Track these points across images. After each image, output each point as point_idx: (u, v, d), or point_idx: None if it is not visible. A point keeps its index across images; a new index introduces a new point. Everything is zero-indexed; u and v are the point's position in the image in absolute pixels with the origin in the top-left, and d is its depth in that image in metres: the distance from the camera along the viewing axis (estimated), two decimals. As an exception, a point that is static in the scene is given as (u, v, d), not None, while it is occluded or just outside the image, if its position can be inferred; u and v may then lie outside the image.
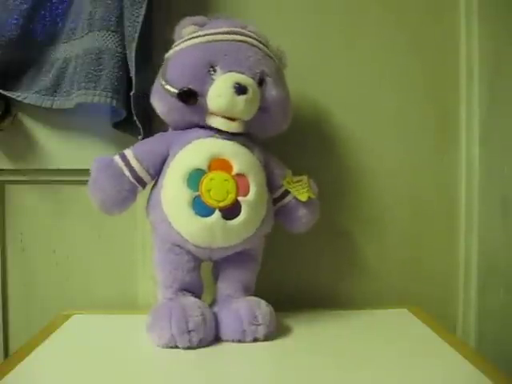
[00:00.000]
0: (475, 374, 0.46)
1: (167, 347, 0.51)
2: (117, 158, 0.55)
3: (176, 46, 0.57)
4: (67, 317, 0.64)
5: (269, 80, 0.56)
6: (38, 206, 0.70)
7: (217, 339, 0.54)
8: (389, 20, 0.72)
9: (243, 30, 0.56)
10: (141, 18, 0.59)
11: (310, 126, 0.71)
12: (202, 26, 0.57)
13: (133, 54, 0.59)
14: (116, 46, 0.61)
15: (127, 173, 0.55)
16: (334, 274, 0.73)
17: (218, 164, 0.54)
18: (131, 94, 0.60)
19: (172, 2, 0.67)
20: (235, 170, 0.54)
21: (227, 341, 0.54)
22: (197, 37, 0.55)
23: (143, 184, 0.56)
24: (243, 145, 0.56)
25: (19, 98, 0.63)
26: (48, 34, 0.65)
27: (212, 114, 0.54)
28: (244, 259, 0.58)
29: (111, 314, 0.66)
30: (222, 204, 0.52)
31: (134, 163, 0.55)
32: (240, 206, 0.53)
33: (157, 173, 0.56)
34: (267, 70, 0.56)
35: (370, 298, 0.72)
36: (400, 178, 0.73)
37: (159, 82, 0.55)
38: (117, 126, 0.66)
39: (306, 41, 0.71)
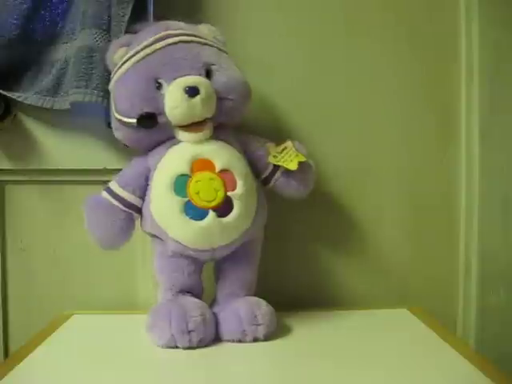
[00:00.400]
0: (475, 374, 0.46)
1: (167, 347, 0.51)
2: (104, 194, 0.56)
3: (115, 74, 0.56)
4: (67, 317, 0.64)
5: (214, 68, 0.55)
6: (38, 205, 0.70)
7: (217, 339, 0.54)
8: (389, 20, 0.72)
9: (169, 32, 0.55)
10: (126, 17, 0.59)
11: (309, 125, 0.71)
12: (129, 44, 0.56)
13: None
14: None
15: (116, 203, 0.55)
16: (333, 274, 0.73)
17: (200, 165, 0.53)
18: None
19: (164, 2, 0.67)
20: (218, 167, 0.53)
21: (227, 341, 0.54)
22: (129, 58, 0.54)
23: (136, 209, 0.56)
24: (219, 140, 0.55)
25: (20, 99, 0.63)
26: (48, 34, 0.65)
27: (177, 127, 0.54)
28: (244, 257, 0.58)
29: (111, 313, 0.66)
30: (213, 204, 0.52)
31: (119, 192, 0.56)
32: (231, 202, 0.53)
33: (144, 193, 0.56)
34: (209, 60, 0.55)
35: (370, 298, 0.72)
36: (400, 177, 0.73)
37: (115, 117, 0.55)
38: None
39: (304, 41, 0.71)
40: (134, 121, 0.53)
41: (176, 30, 0.56)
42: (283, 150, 0.58)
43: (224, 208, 0.53)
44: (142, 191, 0.56)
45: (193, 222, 0.52)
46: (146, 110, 0.52)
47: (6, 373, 0.47)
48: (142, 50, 0.54)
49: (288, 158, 0.57)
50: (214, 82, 0.54)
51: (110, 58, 0.57)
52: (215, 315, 0.55)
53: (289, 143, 0.59)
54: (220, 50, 0.57)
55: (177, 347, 0.51)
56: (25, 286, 0.71)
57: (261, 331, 0.54)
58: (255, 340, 0.54)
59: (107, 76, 0.59)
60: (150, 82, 0.53)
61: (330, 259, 0.73)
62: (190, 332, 0.51)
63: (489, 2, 0.72)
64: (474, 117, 0.73)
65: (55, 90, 0.64)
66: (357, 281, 0.73)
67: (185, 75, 0.53)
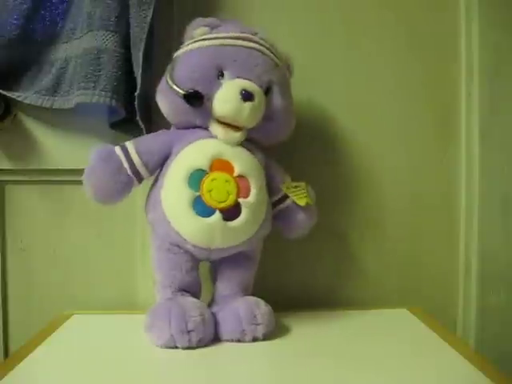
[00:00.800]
0: (475, 374, 0.46)
1: (166, 347, 0.51)
2: (118, 150, 0.55)
3: (186, 46, 0.56)
4: (67, 317, 0.64)
5: (275, 89, 0.56)
6: (38, 206, 0.70)
7: (216, 339, 0.54)
8: (388, 20, 0.72)
9: (253, 37, 0.56)
10: (148, 19, 0.59)
11: (309, 125, 0.71)
12: (213, 28, 0.56)
13: (140, 55, 0.59)
14: (115, 46, 0.61)
15: (126, 165, 0.55)
16: (333, 274, 0.73)
17: (220, 165, 0.54)
18: (136, 94, 0.59)
19: (174, 3, 0.67)
20: (236, 172, 0.54)
21: (226, 340, 0.54)
22: (207, 39, 0.55)
23: (140, 179, 0.56)
24: (245, 147, 0.56)
25: (19, 98, 0.63)
26: (48, 34, 0.65)
27: (216, 119, 0.54)
28: (242, 260, 0.58)
29: (111, 313, 0.66)
30: (222, 205, 0.52)
31: (134, 157, 0.55)
32: (240, 208, 0.53)
33: (155, 169, 0.56)
34: (274, 79, 0.56)
35: (370, 298, 0.72)
36: (400, 177, 0.73)
37: (166, 80, 0.55)
38: (114, 126, 0.66)
39: (305, 41, 0.71)
40: (183, 92, 0.53)
41: (261, 39, 0.57)
42: (297, 186, 0.59)
43: (231, 212, 0.53)
44: (155, 167, 0.56)
45: (198, 217, 0.52)
46: (199, 88, 0.53)
47: (6, 373, 0.47)
48: (223, 38, 0.55)
49: (300, 194, 0.59)
50: (269, 100, 0.55)
51: (189, 30, 0.57)
52: (214, 315, 0.55)
53: (303, 183, 0.60)
54: (286, 77, 0.59)
55: (176, 347, 0.51)
56: (25, 286, 0.71)
57: (260, 331, 0.54)
58: (254, 340, 0.54)
59: (115, 77, 0.60)
60: (215, 67, 0.54)
61: (330, 259, 0.73)
62: (189, 332, 0.51)
63: (489, 2, 0.72)
64: (474, 117, 0.73)
65: (55, 89, 0.64)
66: (357, 281, 0.73)
67: (248, 79, 0.54)
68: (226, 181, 0.53)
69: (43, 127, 0.68)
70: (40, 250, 0.71)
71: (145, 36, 0.59)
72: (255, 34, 0.57)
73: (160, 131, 0.58)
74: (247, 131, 0.55)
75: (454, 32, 0.73)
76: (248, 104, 0.53)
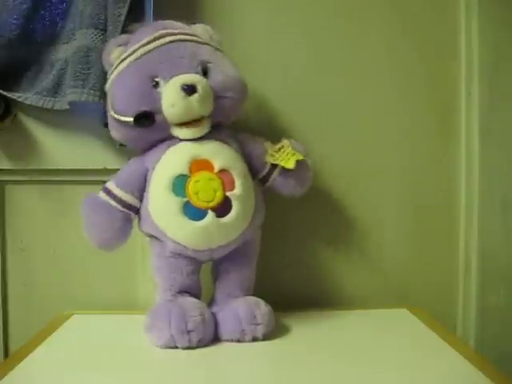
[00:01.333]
0: (475, 374, 0.46)
1: (166, 347, 0.51)
2: (101, 194, 0.56)
3: (111, 74, 0.56)
4: (67, 317, 0.64)
5: (211, 66, 0.55)
6: (38, 205, 0.70)
7: (216, 339, 0.54)
8: (388, 18, 0.72)
9: (166, 31, 0.55)
10: (123, 17, 0.59)
11: (307, 124, 0.71)
12: (126, 44, 0.56)
13: None
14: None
15: (114, 203, 0.55)
16: (333, 274, 0.73)
17: (199, 165, 0.53)
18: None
19: (163, 3, 0.67)
20: (217, 168, 0.53)
21: (226, 340, 0.54)
22: (126, 57, 0.54)
23: (134, 209, 0.56)
24: (218, 140, 0.55)
25: (20, 99, 0.63)
26: (48, 34, 0.65)
27: (174, 125, 0.54)
28: (242, 257, 0.58)
29: (111, 314, 0.66)
30: (212, 204, 0.52)
31: (117, 192, 0.55)
32: (230, 202, 0.53)
33: (142, 194, 0.56)
34: (205, 58, 0.55)
35: (370, 298, 0.72)
36: (400, 176, 0.73)
37: (111, 115, 0.55)
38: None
39: (306, 42, 0.71)
40: (131, 119, 0.52)
41: (172, 29, 0.56)
42: (280, 148, 0.58)
43: (223, 208, 0.53)
44: (141, 192, 0.56)
45: (192, 222, 0.52)
46: (143, 108, 0.52)
47: (6, 373, 0.47)
48: (138, 48, 0.54)
49: (285, 156, 0.57)
50: (210, 80, 0.54)
51: (106, 58, 0.57)
52: (214, 315, 0.55)
53: (285, 142, 0.59)
54: (216, 49, 0.58)
55: (176, 347, 0.51)
56: (25, 286, 0.71)
57: (260, 331, 0.54)
58: (254, 340, 0.54)
59: (104, 75, 0.60)
60: (147, 80, 0.53)
61: (330, 259, 0.73)
62: (189, 332, 0.51)
63: (489, 1, 0.72)
64: (474, 115, 0.72)
65: (55, 90, 0.64)
66: (356, 281, 0.73)
67: (182, 73, 0.53)
68: (210, 179, 0.53)
69: (43, 127, 0.68)
70: (40, 249, 0.71)
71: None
72: (164, 27, 0.56)
73: (130, 161, 0.58)
74: (207, 120, 0.54)
75: (454, 30, 0.73)
76: (194, 96, 0.52)
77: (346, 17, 0.72)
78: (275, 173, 0.58)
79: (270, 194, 0.60)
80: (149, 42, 0.54)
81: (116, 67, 0.55)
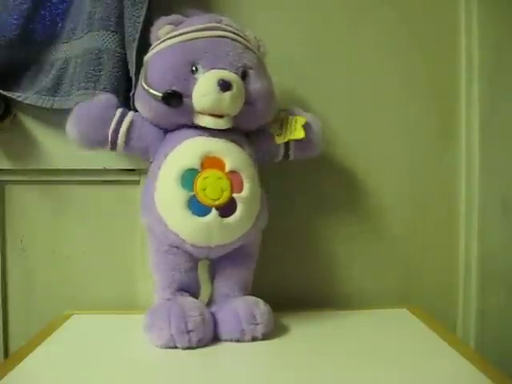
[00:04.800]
0: (475, 375, 0.46)
1: (166, 347, 0.51)
2: (118, 111, 0.56)
3: (154, 47, 0.56)
4: (67, 317, 0.64)
5: (251, 73, 0.56)
6: (38, 205, 0.70)
7: (215, 339, 0.54)
8: (389, 19, 0.72)
9: (220, 25, 0.56)
10: (142, 19, 0.59)
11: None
12: (177, 24, 0.56)
13: (133, 54, 0.59)
14: (115, 46, 0.61)
15: (112, 126, 0.55)
16: (333, 273, 0.73)
17: (211, 162, 0.54)
18: (131, 94, 0.60)
19: (172, 2, 0.67)
20: (228, 168, 0.54)
21: (226, 340, 0.54)
22: (174, 36, 0.55)
23: (113, 147, 0.57)
24: (233, 141, 0.56)
25: (19, 99, 0.63)
26: (48, 34, 0.65)
27: (199, 113, 0.54)
28: (241, 257, 0.58)
29: (111, 313, 0.66)
30: (217, 202, 0.53)
31: (123, 127, 0.56)
32: (235, 203, 0.53)
33: (131, 149, 0.57)
34: (249, 63, 0.56)
35: (370, 298, 0.72)
36: (400, 177, 0.73)
37: (141, 86, 0.55)
38: None
39: (306, 38, 0.71)
40: (160, 95, 0.53)
41: (227, 25, 0.57)
42: (282, 123, 0.59)
43: (227, 208, 0.53)
44: (133, 148, 0.57)
45: (195, 217, 0.52)
46: (175, 88, 0.53)
47: (5, 373, 0.47)
48: (189, 32, 0.55)
49: (291, 128, 0.59)
50: (246, 85, 0.55)
51: (154, 32, 0.57)
52: (213, 315, 0.55)
53: (282, 113, 0.60)
54: (260, 59, 0.59)
55: (176, 347, 0.51)
56: (25, 286, 0.71)
57: (259, 330, 0.54)
58: (253, 339, 0.54)
59: (115, 77, 0.60)
60: (187, 63, 0.54)
61: (330, 259, 0.73)
62: (189, 332, 0.51)
63: (489, 1, 0.72)
64: (474, 115, 0.72)
65: (55, 89, 0.64)
66: (357, 281, 0.73)
67: (222, 69, 0.53)
68: (219, 178, 0.53)
69: (43, 127, 0.68)
70: (40, 250, 0.71)
71: (138, 36, 0.59)
72: (220, 21, 0.57)
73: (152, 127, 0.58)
74: (231, 120, 0.55)
75: (454, 31, 0.73)
76: (227, 93, 0.52)
77: (346, 17, 0.72)
78: (292, 146, 0.60)
79: (271, 196, 0.60)
80: (200, 30, 0.55)
81: (161, 42, 0.56)
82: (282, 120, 0.60)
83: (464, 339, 0.72)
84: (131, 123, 0.56)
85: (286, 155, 0.61)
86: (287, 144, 0.60)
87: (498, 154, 0.73)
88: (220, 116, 0.54)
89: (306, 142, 0.60)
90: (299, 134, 0.58)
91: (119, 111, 0.56)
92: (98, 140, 0.56)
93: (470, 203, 0.73)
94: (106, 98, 0.58)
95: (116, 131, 0.56)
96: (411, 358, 0.51)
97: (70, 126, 0.56)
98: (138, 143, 0.57)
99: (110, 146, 0.57)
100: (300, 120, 0.59)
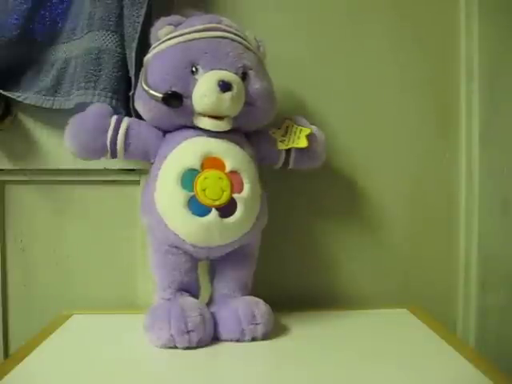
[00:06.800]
0: (475, 374, 0.46)
1: (166, 347, 0.51)
2: (113, 118, 0.56)
3: (154, 48, 0.56)
4: (67, 317, 0.64)
5: (251, 73, 0.56)
6: (38, 205, 0.70)
7: (215, 339, 0.54)
8: (390, 18, 0.72)
9: (220, 25, 0.56)
10: (141, 19, 0.59)
11: (308, 121, 0.71)
12: (177, 25, 0.56)
13: (133, 54, 0.59)
14: (115, 46, 0.61)
15: (109, 134, 0.55)
16: (333, 274, 0.73)
17: (211, 162, 0.54)
18: (130, 94, 0.60)
19: (172, 2, 0.67)
20: (228, 168, 0.54)
21: (226, 340, 0.54)
22: (174, 37, 0.55)
23: (114, 154, 0.56)
24: (233, 141, 0.56)
25: (19, 99, 0.63)
26: (48, 34, 0.65)
27: (199, 114, 0.54)
28: (241, 258, 0.58)
29: (111, 313, 0.66)
30: (217, 203, 0.53)
31: (120, 134, 0.55)
32: (235, 204, 0.53)
33: (132, 155, 0.57)
34: (249, 64, 0.56)
35: (370, 298, 0.72)
36: (400, 177, 0.73)
37: (141, 87, 0.55)
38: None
39: (306, 38, 0.71)
40: (160, 95, 0.53)
41: (227, 26, 0.57)
42: (286, 130, 0.59)
43: (227, 209, 0.53)
44: (133, 154, 0.57)
45: (194, 217, 0.52)
46: (175, 89, 0.53)
47: (6, 373, 0.47)
48: (189, 33, 0.55)
49: (294, 136, 0.59)
50: (246, 85, 0.55)
51: (154, 32, 0.57)
52: (213, 315, 0.55)
53: (288, 121, 0.60)
54: (260, 59, 0.59)
55: (176, 347, 0.51)
56: (25, 286, 0.71)
57: (259, 330, 0.54)
58: (253, 339, 0.54)
59: (115, 77, 0.60)
60: (187, 64, 0.54)
61: (330, 259, 0.73)
62: (189, 332, 0.51)
63: (489, 2, 0.72)
64: (474, 117, 0.73)
65: (55, 89, 0.64)
66: (357, 281, 0.73)
67: (222, 69, 0.53)
68: (219, 178, 0.53)
69: (43, 127, 0.68)
70: (40, 249, 0.71)
71: (137, 36, 0.59)
72: (220, 22, 0.57)
73: (151, 128, 0.58)
74: (231, 121, 0.55)
75: (454, 30, 0.73)
76: (227, 94, 0.52)
77: (347, 18, 0.72)
78: (292, 154, 0.60)
79: (272, 197, 0.60)
80: (200, 30, 0.55)
81: (161, 43, 0.56)
82: (286, 127, 0.60)
83: (464, 339, 0.72)
84: (127, 129, 0.56)
85: (286, 162, 0.61)
86: (288, 152, 0.60)
87: (498, 155, 0.73)
88: (220, 118, 0.54)
89: (309, 152, 0.60)
90: (303, 143, 0.58)
91: (114, 119, 0.56)
92: (98, 150, 0.56)
93: (469, 203, 0.73)
94: (98, 107, 0.57)
95: (114, 139, 0.55)
96: (411, 357, 0.51)
97: (68, 140, 0.56)
98: (136, 148, 0.57)
99: (110, 154, 0.56)
100: (305, 130, 0.59)
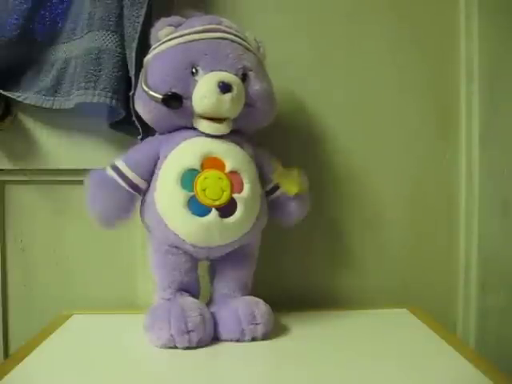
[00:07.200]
0: (475, 375, 0.46)
1: (166, 347, 0.51)
2: (110, 171, 0.55)
3: (154, 49, 0.56)
4: (67, 317, 0.64)
5: (251, 74, 0.56)
6: (38, 205, 0.70)
7: (215, 339, 0.54)
8: (390, 19, 0.72)
9: (220, 27, 0.56)
10: (141, 19, 0.59)
11: (308, 123, 0.71)
12: (177, 26, 0.56)
13: (133, 54, 0.59)
14: (115, 46, 0.61)
15: (123, 183, 0.55)
16: (333, 273, 0.73)
17: (211, 162, 0.54)
18: (130, 94, 0.60)
19: (172, 3, 0.67)
20: (228, 168, 0.54)
21: (226, 340, 0.54)
22: (174, 38, 0.55)
23: (139, 191, 0.56)
24: (233, 141, 0.56)
25: (19, 99, 0.63)
26: (48, 34, 0.65)
27: (198, 116, 0.54)
28: (241, 258, 0.58)
29: (111, 313, 0.66)
30: (217, 203, 0.53)
31: (127, 172, 0.55)
32: (235, 204, 0.53)
33: (150, 177, 0.56)
34: (249, 65, 0.56)
35: (370, 298, 0.72)
36: (400, 177, 0.73)
37: (141, 88, 0.55)
38: (113, 126, 0.66)
39: (307, 38, 0.71)
40: (160, 97, 0.53)
41: (227, 27, 0.56)
42: (289, 174, 0.59)
43: (227, 209, 0.53)
44: (149, 175, 0.56)
45: (194, 217, 0.52)
46: (175, 90, 0.53)
47: (6, 373, 0.47)
48: (189, 34, 0.55)
49: (291, 182, 0.58)
50: (246, 86, 0.55)
51: (154, 33, 0.57)
52: (213, 315, 0.55)
53: (295, 170, 0.59)
54: (260, 60, 0.59)
55: (176, 347, 0.51)
56: (25, 286, 0.71)
57: (259, 330, 0.54)
58: (253, 339, 0.54)
59: (115, 77, 0.60)
60: (187, 65, 0.54)
61: (330, 259, 0.73)
62: (189, 332, 0.51)
63: (489, 2, 0.72)
64: (474, 118, 0.73)
65: (55, 89, 0.64)
66: (356, 281, 0.73)
67: (222, 70, 0.53)
68: (219, 178, 0.53)
69: (43, 127, 0.68)
70: (40, 249, 0.71)
71: (137, 36, 0.59)
72: (220, 23, 0.57)
73: (145, 140, 0.59)
74: (231, 123, 0.55)
75: (454, 31, 0.73)
76: (227, 95, 0.52)
77: (346, 19, 0.72)
78: (277, 193, 0.59)
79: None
80: (200, 31, 0.55)
81: (161, 43, 0.55)
82: (292, 172, 0.59)
83: (464, 339, 0.72)
84: (128, 166, 0.55)
85: (268, 194, 0.59)
86: (276, 187, 0.59)
87: (498, 156, 0.73)
88: (219, 121, 0.54)
89: (291, 203, 0.59)
90: (292, 190, 0.58)
91: (112, 172, 0.55)
92: (128, 205, 0.55)
93: (470, 204, 0.73)
94: (98, 176, 0.55)
95: (130, 183, 0.55)
96: (411, 357, 0.51)
97: (102, 223, 0.55)
98: (146, 169, 0.55)
99: (139, 195, 0.56)
100: (301, 187, 0.58)
